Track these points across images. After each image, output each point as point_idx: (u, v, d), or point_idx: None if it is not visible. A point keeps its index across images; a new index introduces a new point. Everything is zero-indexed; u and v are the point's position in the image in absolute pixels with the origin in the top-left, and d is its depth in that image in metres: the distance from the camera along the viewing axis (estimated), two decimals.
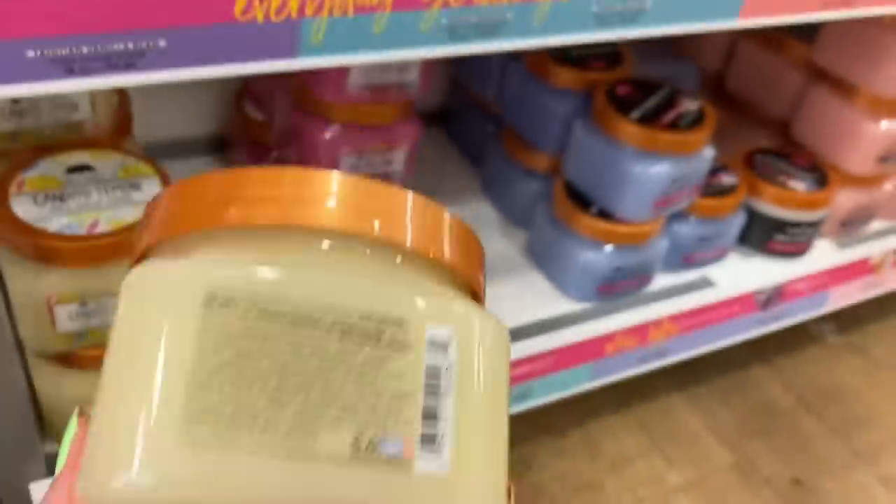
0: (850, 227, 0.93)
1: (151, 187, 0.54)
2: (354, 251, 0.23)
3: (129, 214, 0.52)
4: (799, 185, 0.85)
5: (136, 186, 0.54)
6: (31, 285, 0.50)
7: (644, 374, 0.87)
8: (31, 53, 0.37)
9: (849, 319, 1.08)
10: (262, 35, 0.42)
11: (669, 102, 0.74)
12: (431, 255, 0.24)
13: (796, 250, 0.88)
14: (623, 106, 0.73)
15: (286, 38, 0.43)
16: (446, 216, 0.25)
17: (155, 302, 0.21)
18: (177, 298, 0.21)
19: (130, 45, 0.39)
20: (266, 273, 0.22)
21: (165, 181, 0.55)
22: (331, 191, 0.23)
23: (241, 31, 0.41)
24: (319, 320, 0.22)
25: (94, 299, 0.51)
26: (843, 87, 0.86)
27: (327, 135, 0.67)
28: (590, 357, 0.77)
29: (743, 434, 0.93)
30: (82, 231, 0.50)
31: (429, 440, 0.22)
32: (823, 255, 0.90)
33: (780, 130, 0.95)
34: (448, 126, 0.98)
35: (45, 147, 0.56)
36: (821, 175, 0.87)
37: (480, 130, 0.91)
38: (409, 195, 0.24)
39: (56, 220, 0.50)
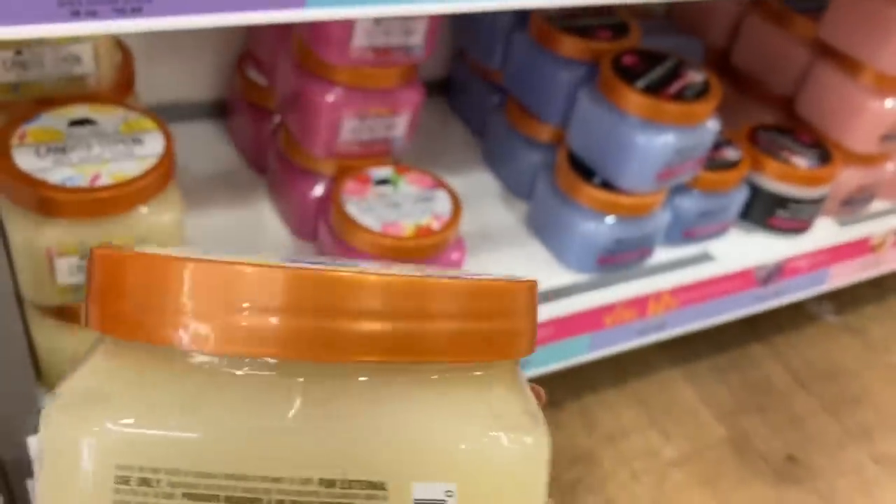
0: (851, 205, 0.93)
1: (154, 142, 0.54)
2: (298, 380, 0.17)
3: (132, 168, 0.51)
4: (801, 162, 0.85)
5: (138, 141, 0.53)
6: (32, 237, 0.49)
7: (642, 348, 0.87)
8: None
9: (847, 300, 1.08)
10: None
11: (675, 73, 0.74)
12: (413, 359, 0.18)
13: (798, 227, 0.88)
14: (629, 75, 0.72)
15: None
16: (443, 283, 0.18)
17: (67, 471, 0.17)
18: (89, 473, 0.17)
19: None
20: (192, 434, 0.17)
21: (168, 136, 0.55)
22: (268, 291, 0.17)
23: None
24: (263, 496, 0.17)
25: None
26: (848, 64, 0.85)
27: (330, 97, 0.67)
28: (588, 328, 0.77)
29: (739, 410, 0.93)
30: (84, 183, 0.50)
31: None
32: (824, 232, 0.90)
33: (784, 106, 0.94)
34: (450, 96, 0.97)
35: (47, 100, 0.55)
36: (824, 152, 0.86)
37: (483, 100, 0.90)
38: (383, 278, 0.17)
39: (58, 172, 0.50)
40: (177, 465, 0.17)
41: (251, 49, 0.79)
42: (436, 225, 0.67)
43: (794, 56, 0.92)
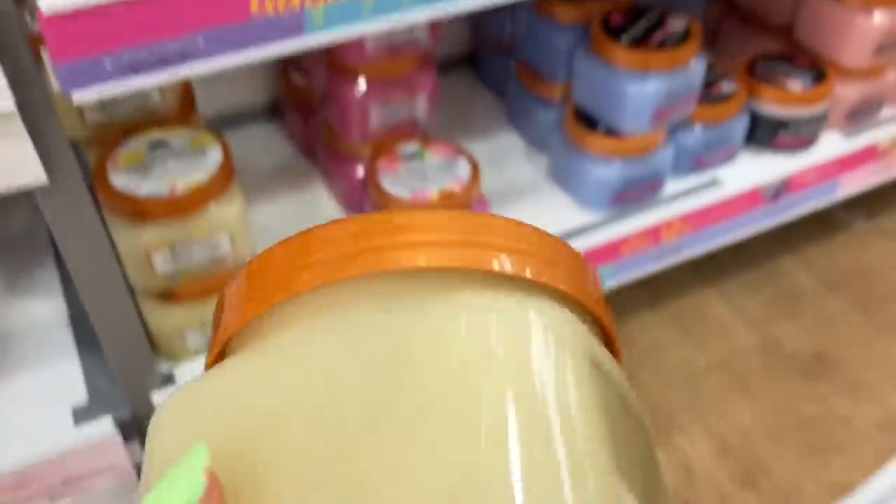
0: (857, 117, 0.99)
1: (214, 153, 0.67)
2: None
3: (199, 177, 0.65)
4: (796, 84, 0.92)
5: (202, 153, 0.67)
6: (132, 239, 0.64)
7: (676, 271, 0.96)
8: (108, 65, 0.50)
9: (880, 205, 1.14)
10: (275, 24, 0.54)
11: (658, 24, 0.83)
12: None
13: (802, 144, 0.95)
14: (615, 32, 0.82)
15: (294, 24, 0.54)
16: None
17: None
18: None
19: (179, 47, 0.51)
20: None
21: (225, 147, 0.68)
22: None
23: (258, 24, 0.53)
24: None
25: (181, 245, 0.66)
26: None
27: (357, 92, 0.79)
28: (609, 259, 0.88)
29: (769, 319, 1.02)
30: (165, 193, 0.64)
31: None
32: (830, 145, 0.97)
33: (784, 35, 1.01)
34: (477, 68, 1.08)
35: (130, 129, 0.69)
36: (819, 72, 0.93)
37: (502, 69, 1.01)
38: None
39: (145, 186, 0.64)
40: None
41: (293, 56, 0.92)
42: (458, 188, 0.78)
43: None
